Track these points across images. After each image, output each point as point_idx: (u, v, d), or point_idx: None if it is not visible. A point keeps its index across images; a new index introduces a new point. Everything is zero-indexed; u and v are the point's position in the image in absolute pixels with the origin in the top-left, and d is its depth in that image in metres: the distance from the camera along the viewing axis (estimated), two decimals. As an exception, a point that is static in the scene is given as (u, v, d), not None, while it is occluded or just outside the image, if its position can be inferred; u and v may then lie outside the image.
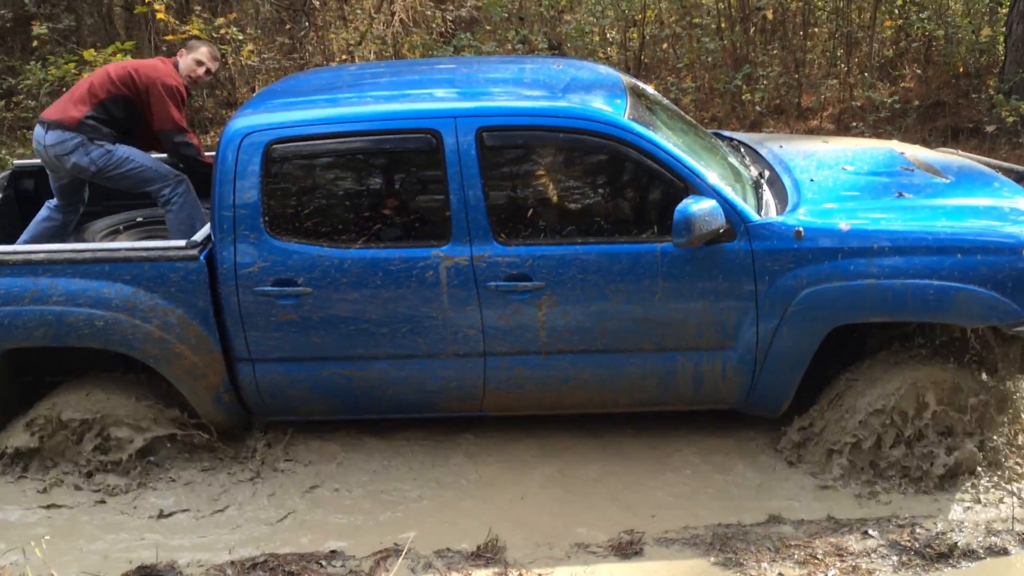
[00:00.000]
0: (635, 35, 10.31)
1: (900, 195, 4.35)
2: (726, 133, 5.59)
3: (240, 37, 9.68)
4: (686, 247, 4.00)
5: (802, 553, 3.77)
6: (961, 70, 9.18)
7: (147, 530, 4.10)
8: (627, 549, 3.84)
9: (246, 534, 4.05)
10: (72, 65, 8.77)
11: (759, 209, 4.24)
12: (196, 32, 8.77)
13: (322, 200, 4.33)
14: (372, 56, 9.90)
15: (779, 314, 4.06)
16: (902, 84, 9.52)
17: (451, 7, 10.79)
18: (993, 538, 3.83)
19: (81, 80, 5.28)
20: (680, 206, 3.92)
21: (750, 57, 9.71)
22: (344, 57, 10.01)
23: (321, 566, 3.79)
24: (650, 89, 5.17)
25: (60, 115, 4.90)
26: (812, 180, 4.51)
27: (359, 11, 11.05)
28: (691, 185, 4.06)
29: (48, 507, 4.23)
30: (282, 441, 4.56)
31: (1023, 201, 4.36)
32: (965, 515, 3.99)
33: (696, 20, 10.03)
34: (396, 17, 10.42)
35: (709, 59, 9.68)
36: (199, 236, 4.27)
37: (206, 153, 5.07)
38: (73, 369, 4.50)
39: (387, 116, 4.22)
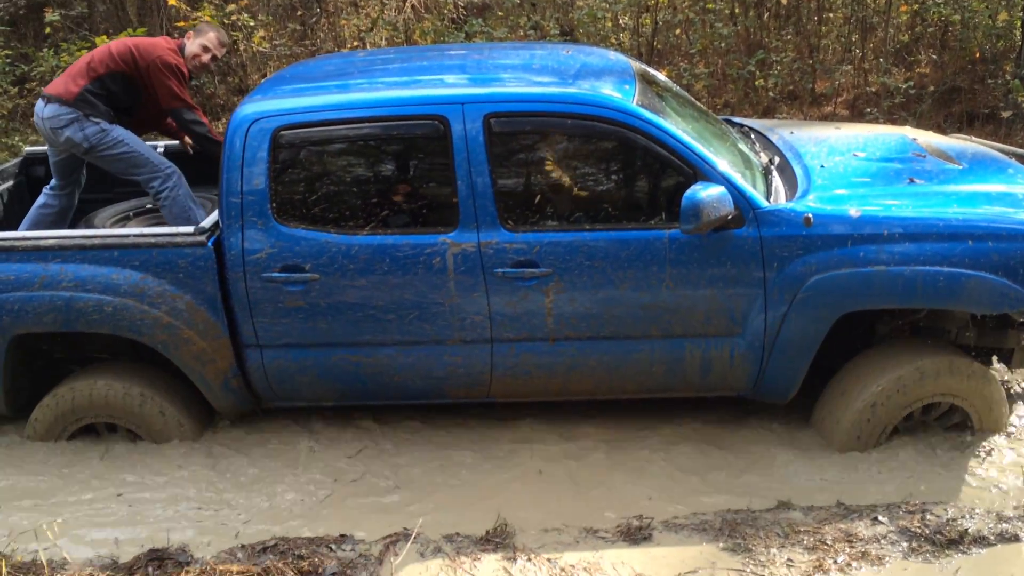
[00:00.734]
0: (648, 21, 10.24)
1: (911, 181, 4.31)
2: (737, 119, 5.55)
3: (252, 23, 9.68)
4: (694, 233, 3.98)
5: (811, 539, 3.76)
6: (977, 55, 9.06)
7: (156, 512, 4.12)
8: (636, 534, 3.84)
9: (254, 517, 4.08)
10: (84, 52, 8.78)
11: (768, 195, 4.21)
12: (207, 19, 8.77)
13: (330, 186, 4.33)
14: (384, 42, 9.85)
15: (788, 301, 4.04)
16: (917, 70, 9.42)
17: (463, -7, 10.76)
18: (1004, 524, 3.81)
19: (83, 55, 5.30)
20: (688, 192, 3.90)
21: (764, 43, 9.63)
22: (356, 43, 9.99)
23: (331, 550, 3.80)
24: (660, 75, 5.13)
25: (59, 89, 4.92)
26: (823, 166, 4.48)
27: (371, -3, 11.01)
28: (699, 171, 4.03)
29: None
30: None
31: (1036, 188, 4.31)
32: (976, 501, 3.97)
33: (709, 6, 9.94)
34: (408, 3, 10.38)
35: (722, 45, 9.60)
36: (207, 222, 4.28)
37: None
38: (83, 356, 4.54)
39: (394, 102, 4.21)
